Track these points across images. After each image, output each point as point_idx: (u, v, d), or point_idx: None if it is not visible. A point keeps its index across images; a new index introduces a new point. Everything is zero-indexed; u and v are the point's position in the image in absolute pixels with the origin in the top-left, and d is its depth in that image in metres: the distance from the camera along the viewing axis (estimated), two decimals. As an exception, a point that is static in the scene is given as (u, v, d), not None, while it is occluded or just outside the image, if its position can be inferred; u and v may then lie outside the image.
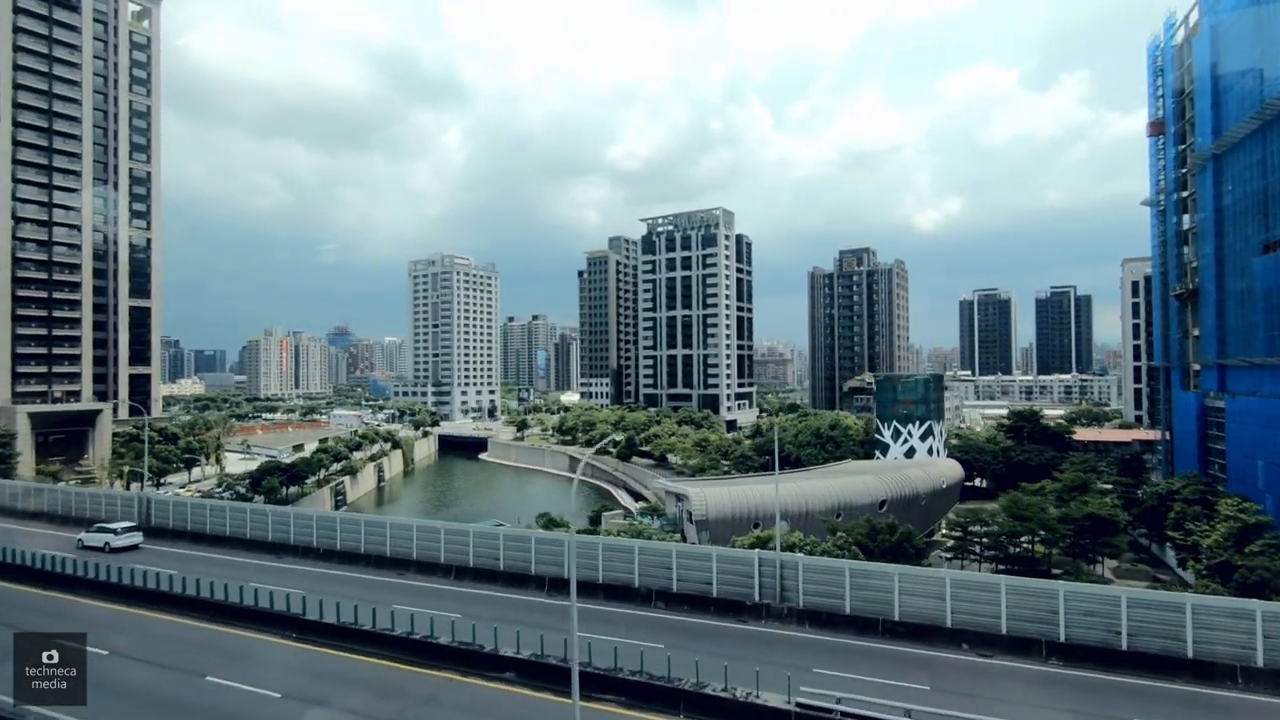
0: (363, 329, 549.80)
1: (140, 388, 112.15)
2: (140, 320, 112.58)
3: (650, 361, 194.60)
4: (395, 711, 22.57)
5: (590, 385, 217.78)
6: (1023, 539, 57.50)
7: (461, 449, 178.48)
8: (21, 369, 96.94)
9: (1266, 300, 57.69)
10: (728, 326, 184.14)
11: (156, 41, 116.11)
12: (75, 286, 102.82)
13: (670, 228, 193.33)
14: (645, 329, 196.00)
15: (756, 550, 31.94)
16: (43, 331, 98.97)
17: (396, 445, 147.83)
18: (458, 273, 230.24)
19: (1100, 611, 24.74)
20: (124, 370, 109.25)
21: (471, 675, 24.73)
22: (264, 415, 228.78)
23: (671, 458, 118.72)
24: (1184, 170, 74.53)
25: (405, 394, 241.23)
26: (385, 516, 43.80)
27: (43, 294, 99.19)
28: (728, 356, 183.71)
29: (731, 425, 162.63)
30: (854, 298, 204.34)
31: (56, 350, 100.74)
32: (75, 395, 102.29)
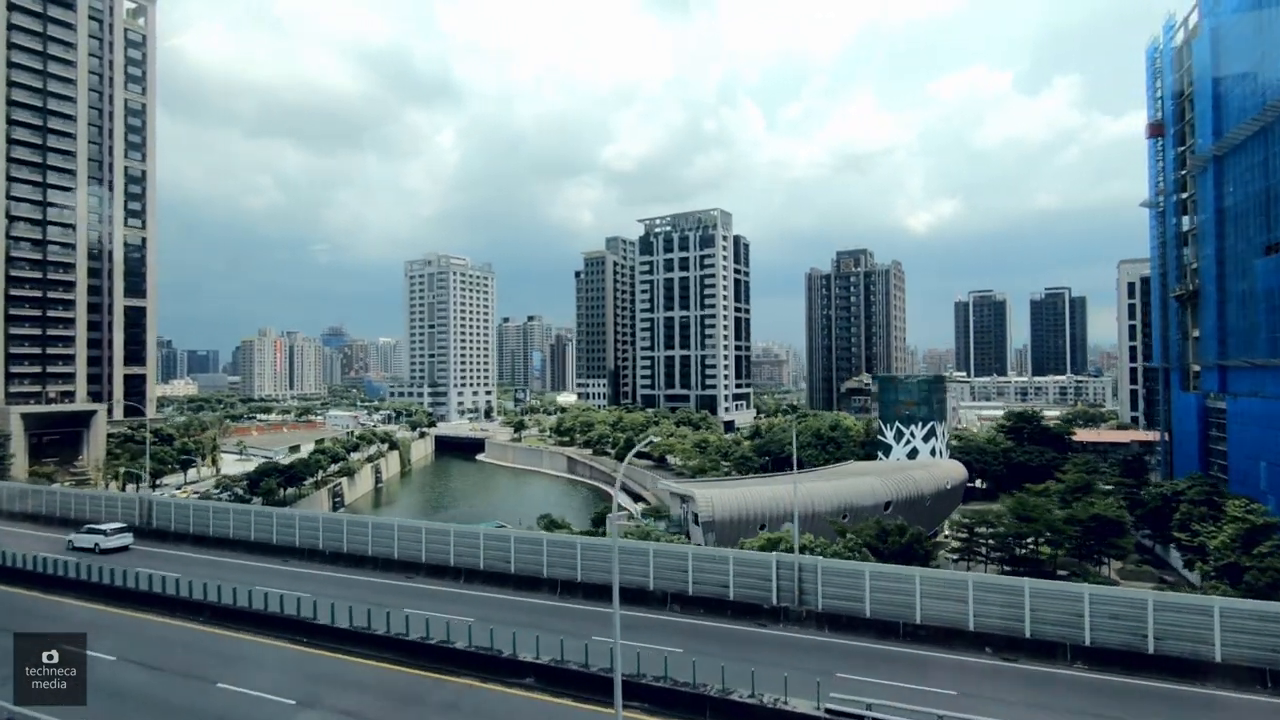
0: (357, 329, 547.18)
1: (135, 388, 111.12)
2: (135, 320, 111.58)
3: (648, 362, 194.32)
4: (416, 718, 22.16)
5: (587, 386, 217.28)
6: (1029, 540, 57.40)
7: (458, 450, 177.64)
8: (15, 369, 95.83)
9: (1269, 301, 57.74)
10: (725, 327, 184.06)
11: (152, 39, 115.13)
12: (70, 286, 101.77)
13: (668, 228, 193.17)
14: (643, 329, 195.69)
15: (774, 553, 31.66)
16: (37, 331, 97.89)
17: (393, 446, 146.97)
18: (454, 273, 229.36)
19: (1126, 615, 24.53)
20: (119, 371, 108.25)
21: (490, 681, 24.31)
22: (258, 416, 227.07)
23: (671, 459, 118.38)
24: (1184, 172, 74.66)
25: (401, 395, 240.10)
26: (393, 519, 43.28)
27: (37, 293, 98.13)
28: (725, 357, 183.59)
29: (729, 426, 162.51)
30: (851, 299, 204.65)
31: (51, 350, 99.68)
32: (69, 396, 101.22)
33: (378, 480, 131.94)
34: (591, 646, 24.34)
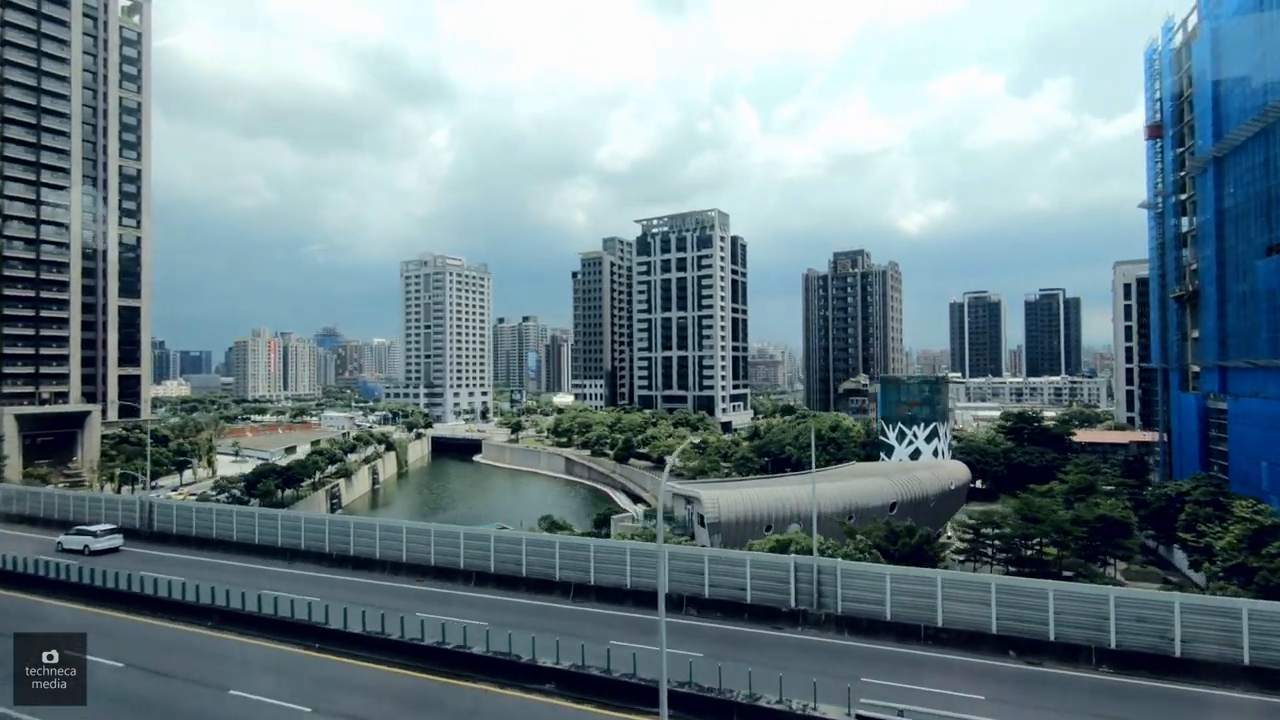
0: (351, 330, 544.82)
1: (129, 389, 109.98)
2: (129, 320, 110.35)
3: (645, 363, 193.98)
4: (436, 726, 21.75)
5: (584, 387, 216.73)
6: (1034, 541, 57.29)
7: (455, 451, 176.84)
8: (9, 370, 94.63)
9: (1270, 302, 57.81)
10: (723, 328, 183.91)
11: (148, 37, 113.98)
12: (63, 286, 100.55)
13: (665, 229, 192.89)
14: (640, 330, 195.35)
15: (792, 555, 31.33)
16: (30, 332, 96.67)
17: (390, 447, 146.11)
18: (450, 273, 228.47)
19: (1153, 617, 24.30)
20: (113, 371, 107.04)
21: (509, 686, 23.87)
22: (253, 417, 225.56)
23: (670, 459, 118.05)
24: (1183, 173, 74.83)
25: (396, 395, 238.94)
26: (401, 521, 42.76)
27: (30, 293, 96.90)
28: (723, 358, 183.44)
29: (726, 427, 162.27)
30: (848, 299, 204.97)
31: (44, 351, 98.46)
32: (63, 397, 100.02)
33: (375, 482, 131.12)
34: (613, 651, 23.94)
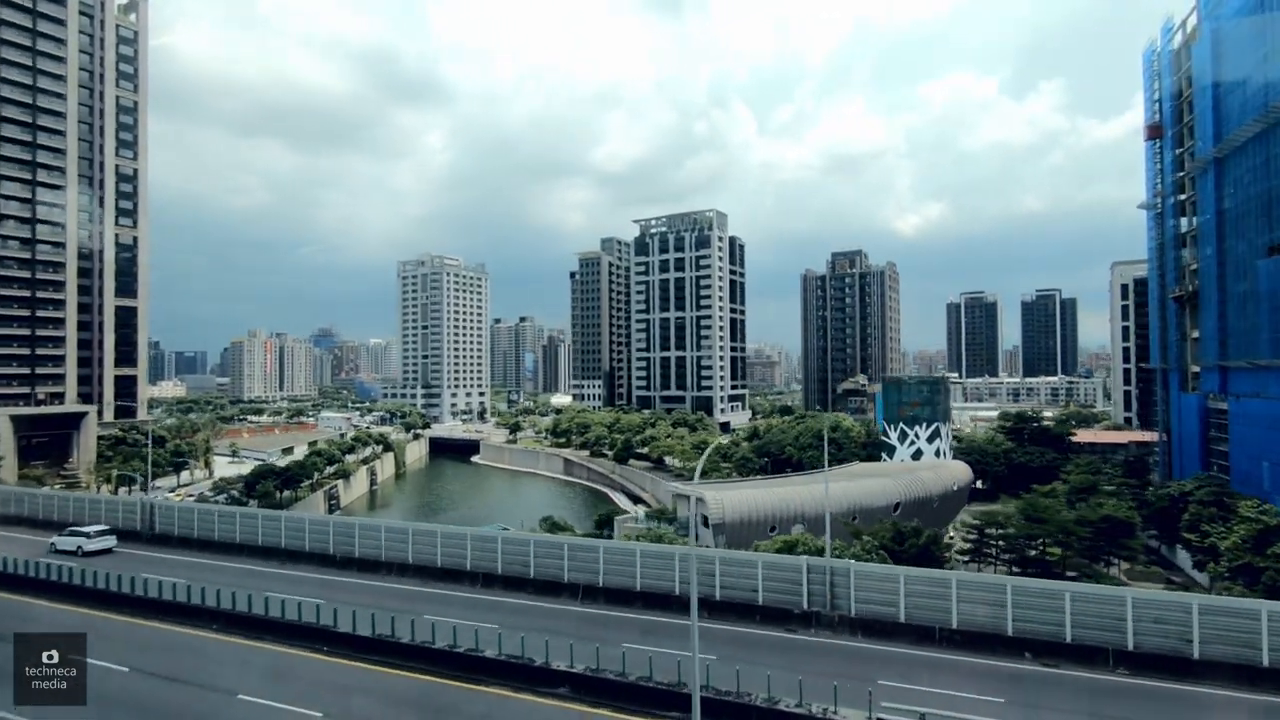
0: (347, 331, 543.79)
1: (126, 389, 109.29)
2: (126, 321, 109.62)
3: (643, 363, 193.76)
4: (451, 731, 21.47)
5: (582, 387, 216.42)
6: (1038, 541, 57.28)
7: (453, 451, 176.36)
8: (4, 370, 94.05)
9: (1271, 302, 57.85)
10: (721, 328, 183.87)
11: (144, 36, 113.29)
12: (59, 286, 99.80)
13: (664, 229, 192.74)
14: (638, 330, 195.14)
15: (804, 556, 31.13)
16: (25, 332, 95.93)
17: (388, 448, 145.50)
18: (447, 273, 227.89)
19: (1171, 619, 24.17)
20: (109, 372, 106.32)
21: (523, 691, 23.58)
22: (249, 418, 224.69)
23: (670, 460, 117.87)
24: (1182, 174, 74.93)
25: (393, 396, 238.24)
26: (407, 523, 42.45)
27: (25, 293, 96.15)
28: (721, 358, 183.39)
29: (725, 427, 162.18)
30: (846, 300, 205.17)
31: (40, 351, 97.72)
32: (59, 397, 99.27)
33: (373, 483, 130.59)
34: (627, 655, 23.70)
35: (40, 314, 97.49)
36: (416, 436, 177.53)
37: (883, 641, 27.46)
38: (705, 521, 58.28)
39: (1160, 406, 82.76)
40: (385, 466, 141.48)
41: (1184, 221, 75.39)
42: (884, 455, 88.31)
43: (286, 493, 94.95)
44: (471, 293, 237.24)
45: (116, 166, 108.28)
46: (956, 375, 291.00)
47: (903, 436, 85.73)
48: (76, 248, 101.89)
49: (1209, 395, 68.74)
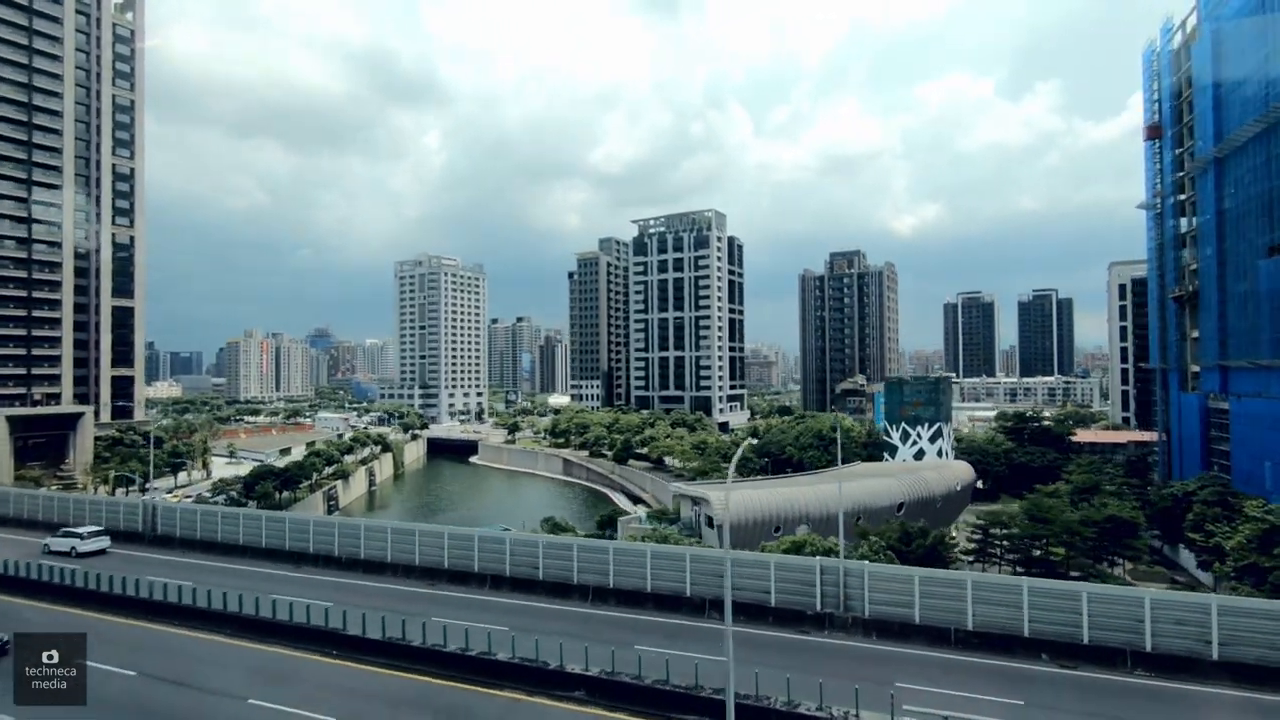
0: (343, 331, 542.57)
1: (122, 390, 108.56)
2: (123, 321, 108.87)
3: (642, 363, 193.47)
4: (467, 735, 21.19)
5: (581, 387, 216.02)
6: (1042, 541, 57.21)
7: (451, 452, 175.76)
8: (0, 370, 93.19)
9: (1272, 302, 57.92)
10: (720, 328, 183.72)
11: (141, 35, 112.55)
12: (55, 286, 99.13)
13: (662, 229, 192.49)
14: (637, 331, 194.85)
15: (817, 557, 30.92)
16: (22, 332, 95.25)
17: (386, 449, 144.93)
18: (445, 274, 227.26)
19: (1190, 620, 24.03)
20: (105, 372, 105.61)
21: (538, 694, 23.32)
22: (246, 418, 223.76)
23: (669, 460, 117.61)
24: (1182, 174, 74.99)
25: (390, 396, 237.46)
26: (414, 524, 42.09)
27: (21, 293, 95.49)
28: (720, 358, 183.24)
29: (724, 427, 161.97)
30: (845, 300, 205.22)
31: (36, 351, 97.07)
32: (55, 398, 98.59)
33: (372, 483, 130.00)
34: (642, 657, 23.46)
35: (36, 314, 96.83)
36: (414, 437, 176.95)
37: (898, 643, 27.26)
38: (709, 522, 58.09)
39: (1160, 406, 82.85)
40: (384, 467, 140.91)
41: (1184, 221, 75.43)
42: (885, 455, 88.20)
43: (285, 493, 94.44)
44: (469, 293, 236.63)
45: (113, 166, 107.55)
46: (954, 375, 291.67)
47: (905, 436, 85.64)
48: (73, 247, 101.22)
49: (1210, 395, 68.79)
